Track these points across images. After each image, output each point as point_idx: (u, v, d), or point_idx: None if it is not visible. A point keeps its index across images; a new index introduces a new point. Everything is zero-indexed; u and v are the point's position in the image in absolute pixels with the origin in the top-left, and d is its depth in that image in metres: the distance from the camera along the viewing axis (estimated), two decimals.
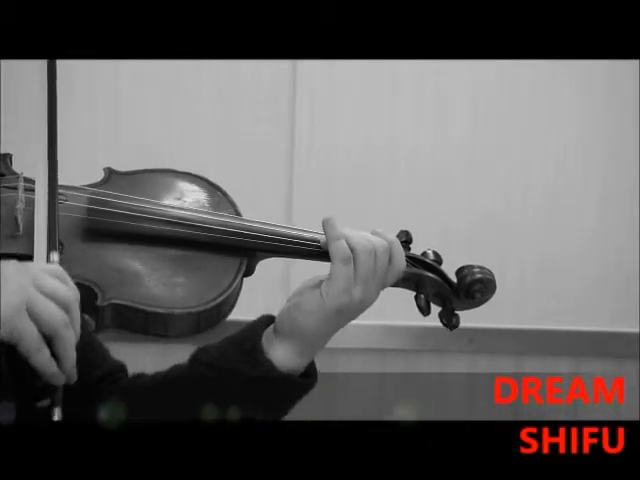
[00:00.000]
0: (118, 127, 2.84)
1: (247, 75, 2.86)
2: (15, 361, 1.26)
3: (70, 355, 1.26)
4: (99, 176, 1.56)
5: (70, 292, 1.27)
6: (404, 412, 1.44)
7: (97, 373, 1.57)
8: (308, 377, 1.48)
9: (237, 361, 1.44)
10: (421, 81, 2.90)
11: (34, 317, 1.23)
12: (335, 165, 2.90)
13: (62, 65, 1.45)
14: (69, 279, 1.28)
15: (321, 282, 1.45)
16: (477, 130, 2.92)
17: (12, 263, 1.27)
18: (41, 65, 1.42)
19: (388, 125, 2.90)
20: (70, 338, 1.26)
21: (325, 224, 1.46)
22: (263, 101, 2.87)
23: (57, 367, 1.25)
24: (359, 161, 2.91)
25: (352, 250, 1.44)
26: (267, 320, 1.49)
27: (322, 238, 1.48)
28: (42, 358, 1.24)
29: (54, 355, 1.25)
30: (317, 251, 1.49)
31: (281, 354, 1.44)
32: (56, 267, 1.30)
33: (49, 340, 1.24)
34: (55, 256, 1.31)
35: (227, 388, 1.44)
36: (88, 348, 1.58)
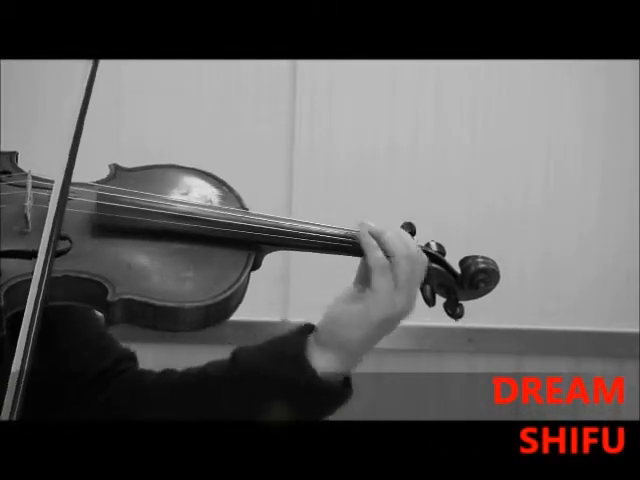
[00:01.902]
0: (119, 126, 2.84)
1: (247, 75, 2.86)
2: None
3: None
4: (99, 174, 1.56)
5: None
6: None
7: (108, 361, 1.58)
8: (346, 387, 1.48)
9: (280, 367, 1.44)
10: (421, 81, 2.90)
11: None
12: (335, 165, 2.90)
13: (63, 65, 1.45)
14: None
15: (360, 293, 1.45)
16: (477, 130, 2.92)
17: None
18: (85, 65, 1.42)
19: (388, 125, 2.91)
20: None
21: (361, 229, 1.46)
22: (263, 101, 2.87)
23: None
24: (359, 161, 2.91)
25: (390, 256, 1.44)
26: (309, 329, 1.48)
27: (337, 232, 1.48)
28: None
29: None
30: (325, 244, 1.49)
31: (323, 362, 1.45)
32: None
33: None
34: None
35: (267, 393, 1.44)
36: (100, 337, 1.60)
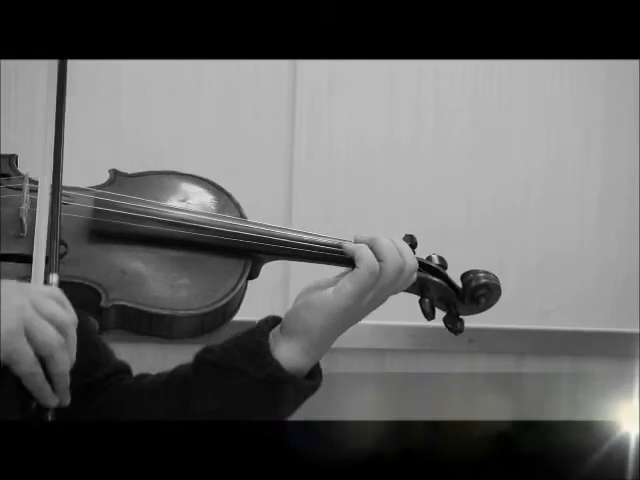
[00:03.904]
0: (119, 126, 2.84)
1: (247, 75, 2.86)
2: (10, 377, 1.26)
3: (64, 378, 1.26)
4: (100, 176, 1.56)
5: (68, 315, 1.26)
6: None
7: (101, 372, 1.57)
8: (313, 379, 1.48)
9: (242, 361, 1.44)
10: (420, 81, 2.90)
11: (31, 339, 1.23)
12: (335, 165, 2.90)
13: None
14: (67, 302, 1.28)
15: (328, 281, 1.46)
16: (477, 130, 2.92)
17: (12, 284, 1.26)
18: (51, 65, 1.42)
19: (388, 125, 2.90)
20: (65, 362, 1.25)
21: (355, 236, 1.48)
22: (263, 101, 2.87)
23: (50, 389, 1.25)
24: (359, 161, 2.91)
25: (381, 260, 1.44)
26: (273, 321, 1.49)
27: (332, 241, 1.49)
28: (36, 380, 1.24)
29: (47, 376, 1.25)
30: (320, 254, 1.49)
31: (286, 352, 1.44)
32: (55, 290, 1.29)
33: (44, 362, 1.24)
34: (54, 278, 1.30)
35: (231, 388, 1.44)
36: (93, 347, 1.59)
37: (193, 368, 1.48)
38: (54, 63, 1.43)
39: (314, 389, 1.47)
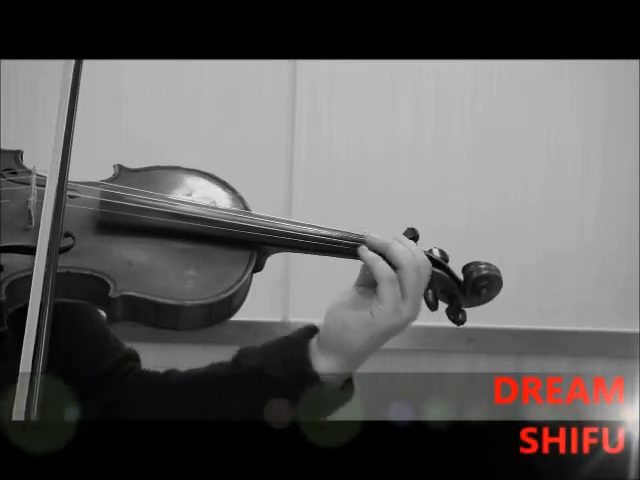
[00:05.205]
0: (119, 126, 2.84)
1: (247, 75, 2.87)
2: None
3: None
4: (100, 173, 1.56)
5: None
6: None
7: (111, 360, 1.58)
8: (346, 389, 1.49)
9: (281, 369, 1.45)
10: (421, 81, 2.90)
11: None
12: (335, 165, 2.90)
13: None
14: None
15: (365, 299, 1.46)
16: (477, 130, 2.92)
17: None
18: (66, 64, 1.43)
19: (388, 125, 2.91)
20: None
21: (360, 248, 1.47)
22: (263, 101, 2.87)
23: None
24: (359, 161, 2.91)
25: (398, 267, 1.45)
26: (312, 330, 1.50)
27: (337, 234, 1.49)
28: None
29: None
30: (325, 246, 1.50)
31: (325, 367, 1.46)
32: None
33: None
34: None
35: (268, 394, 1.45)
36: (102, 337, 1.60)
37: (231, 371, 1.49)
38: (70, 62, 1.43)
39: (348, 399, 1.49)
